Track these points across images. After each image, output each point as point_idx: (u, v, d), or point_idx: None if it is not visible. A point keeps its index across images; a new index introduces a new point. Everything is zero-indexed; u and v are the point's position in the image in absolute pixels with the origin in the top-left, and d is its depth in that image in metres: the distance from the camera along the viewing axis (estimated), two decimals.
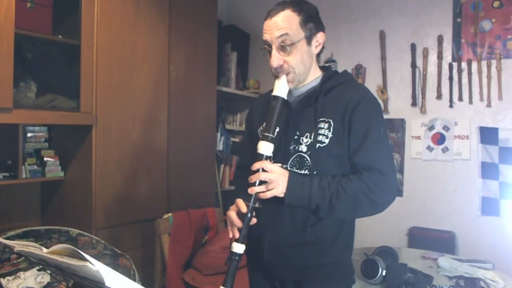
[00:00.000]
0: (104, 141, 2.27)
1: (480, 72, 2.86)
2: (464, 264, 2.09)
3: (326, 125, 1.24)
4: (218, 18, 3.16)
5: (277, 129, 1.27)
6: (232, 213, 1.24)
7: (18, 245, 0.90)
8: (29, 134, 2.29)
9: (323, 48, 1.33)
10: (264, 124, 1.26)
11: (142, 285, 0.87)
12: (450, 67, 2.97)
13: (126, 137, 2.39)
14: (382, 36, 3.21)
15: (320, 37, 1.30)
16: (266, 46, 1.27)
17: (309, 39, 1.27)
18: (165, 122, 2.65)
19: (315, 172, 1.23)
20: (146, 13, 2.49)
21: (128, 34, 2.38)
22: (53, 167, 2.30)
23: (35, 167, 2.24)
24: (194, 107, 2.86)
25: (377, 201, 1.21)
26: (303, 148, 1.25)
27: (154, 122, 2.57)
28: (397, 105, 3.19)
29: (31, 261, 1.23)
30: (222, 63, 3.56)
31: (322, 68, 1.39)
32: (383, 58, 3.21)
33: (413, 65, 3.11)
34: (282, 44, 1.23)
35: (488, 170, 2.83)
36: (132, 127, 2.42)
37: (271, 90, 1.32)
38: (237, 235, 1.19)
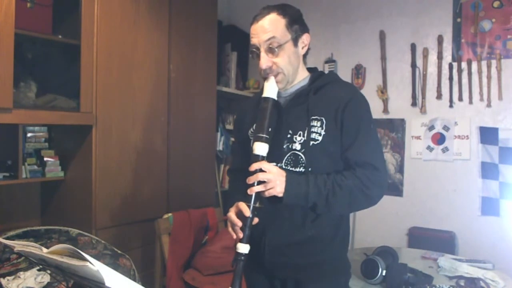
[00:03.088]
0: (104, 141, 2.27)
1: (480, 72, 2.86)
2: (464, 264, 2.08)
3: (319, 123, 1.27)
4: (218, 18, 3.16)
5: (269, 129, 1.29)
6: (232, 214, 1.25)
7: (18, 245, 0.90)
8: (29, 134, 2.28)
9: (309, 49, 1.37)
10: (255, 125, 1.29)
11: (142, 285, 0.87)
12: (450, 67, 2.97)
13: (126, 137, 2.39)
14: (382, 36, 3.21)
15: (305, 38, 1.34)
16: (254, 50, 1.30)
17: (295, 41, 1.30)
18: (165, 122, 2.65)
19: (310, 169, 1.25)
20: (146, 13, 2.49)
21: (128, 34, 2.38)
22: (53, 167, 2.30)
23: (35, 167, 2.24)
24: (194, 107, 2.86)
25: (371, 195, 1.24)
26: (297, 146, 1.27)
27: (154, 122, 2.57)
28: (397, 105, 3.19)
29: (31, 261, 1.23)
30: (222, 63, 3.56)
31: (309, 69, 1.42)
32: (383, 58, 3.21)
33: (413, 65, 3.11)
34: (270, 46, 1.26)
35: (488, 170, 2.83)
36: (132, 127, 2.42)
37: (258, 94, 1.37)
38: (240, 235, 1.20)
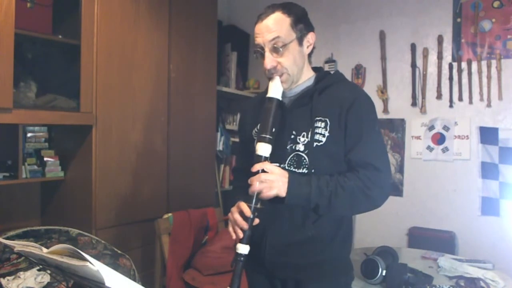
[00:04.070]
0: (104, 141, 2.27)
1: (480, 72, 2.86)
2: (464, 264, 2.08)
3: (323, 124, 1.26)
4: (218, 18, 3.16)
5: (273, 130, 1.28)
6: (236, 215, 1.23)
7: (18, 245, 0.90)
8: (29, 134, 2.28)
9: (314, 48, 1.35)
10: (259, 126, 1.27)
11: (142, 285, 0.87)
12: (450, 67, 2.97)
13: (126, 137, 2.39)
14: (382, 36, 3.21)
15: (310, 38, 1.32)
16: (259, 49, 1.28)
17: (300, 40, 1.29)
18: (165, 122, 2.65)
19: (313, 171, 1.24)
20: (146, 13, 2.49)
21: (128, 34, 2.38)
22: (53, 167, 2.30)
23: (35, 167, 2.24)
24: (194, 107, 2.86)
25: (372, 197, 1.23)
26: (301, 147, 1.26)
27: (154, 122, 2.57)
28: (397, 105, 3.19)
29: (31, 261, 1.23)
30: (222, 63, 3.56)
31: (314, 69, 1.41)
32: (383, 58, 3.21)
33: (413, 65, 3.11)
34: (275, 46, 1.24)
35: (488, 170, 2.83)
36: (132, 127, 2.42)
37: (262, 93, 1.34)
38: (241, 235, 1.20)
